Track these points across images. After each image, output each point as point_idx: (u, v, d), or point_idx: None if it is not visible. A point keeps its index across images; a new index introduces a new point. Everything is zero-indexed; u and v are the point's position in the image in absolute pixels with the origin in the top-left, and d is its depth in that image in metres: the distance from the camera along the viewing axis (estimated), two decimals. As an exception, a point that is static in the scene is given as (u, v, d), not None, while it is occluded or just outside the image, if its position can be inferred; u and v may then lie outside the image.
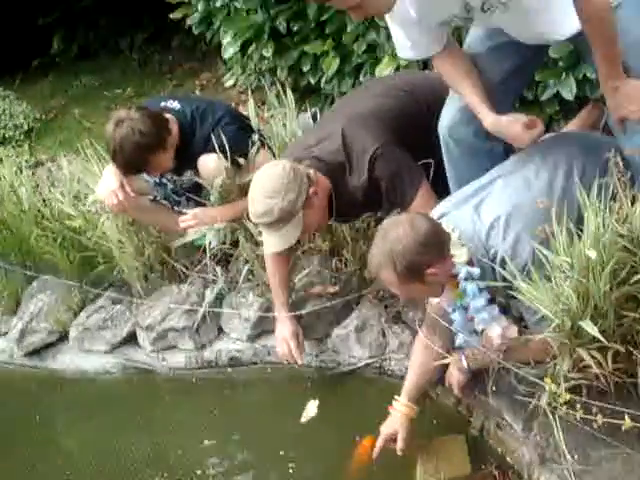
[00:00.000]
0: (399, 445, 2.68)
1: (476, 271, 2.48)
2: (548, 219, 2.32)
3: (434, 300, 2.72)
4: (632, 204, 2.33)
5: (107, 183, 3.61)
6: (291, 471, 2.90)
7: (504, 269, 2.42)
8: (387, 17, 2.60)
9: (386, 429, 2.72)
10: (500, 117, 2.60)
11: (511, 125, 2.59)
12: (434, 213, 2.66)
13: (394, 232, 2.44)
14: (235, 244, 3.59)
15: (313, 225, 3.00)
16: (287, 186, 2.84)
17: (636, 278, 2.26)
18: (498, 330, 2.53)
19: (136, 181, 3.72)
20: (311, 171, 2.95)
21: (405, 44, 2.68)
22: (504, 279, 2.41)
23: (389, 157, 2.94)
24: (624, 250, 2.29)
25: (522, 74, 2.89)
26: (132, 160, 3.40)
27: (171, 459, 3.13)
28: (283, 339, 3.19)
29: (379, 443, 2.72)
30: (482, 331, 2.58)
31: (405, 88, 3.16)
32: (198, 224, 3.55)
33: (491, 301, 2.55)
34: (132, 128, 3.35)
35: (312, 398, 3.02)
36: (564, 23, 2.47)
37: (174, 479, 3.02)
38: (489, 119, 2.61)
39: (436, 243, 2.46)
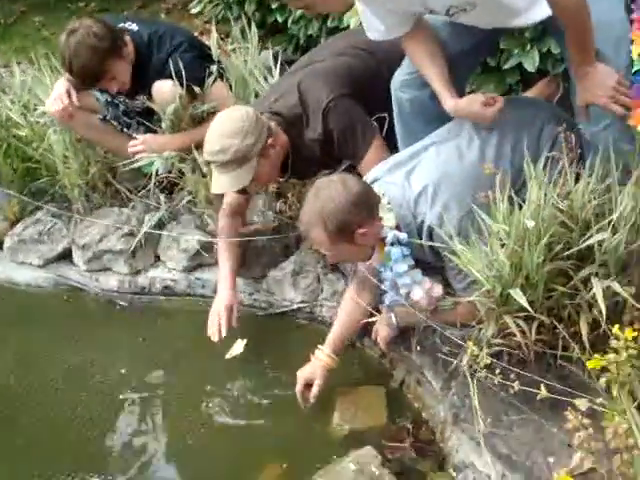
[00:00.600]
0: (314, 392, 2.72)
1: (402, 235, 2.53)
2: (478, 188, 2.37)
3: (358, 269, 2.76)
4: (576, 182, 2.37)
5: (55, 93, 3.55)
6: (204, 405, 2.93)
7: (431, 235, 2.48)
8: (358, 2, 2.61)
9: (303, 374, 2.76)
10: (458, 100, 2.63)
11: (470, 106, 2.62)
12: (367, 177, 2.69)
13: (326, 191, 2.46)
14: (182, 174, 3.55)
15: (264, 176, 2.96)
16: (247, 129, 2.82)
17: (568, 253, 2.30)
18: (421, 293, 2.57)
19: (87, 97, 3.66)
20: (272, 124, 2.94)
21: (373, 26, 2.69)
22: (433, 243, 2.47)
23: (342, 109, 2.94)
24: (562, 225, 2.33)
25: (481, 49, 2.93)
26: (89, 65, 3.33)
27: (89, 379, 3.14)
28: (217, 312, 3.07)
29: (298, 387, 2.75)
30: (407, 294, 2.61)
31: (365, 47, 3.14)
32: (147, 150, 3.51)
33: (415, 266, 2.59)
34: (87, 33, 3.30)
35: (240, 337, 3.02)
36: (529, 12, 2.49)
37: (90, 399, 3.04)
38: (449, 103, 2.63)
39: (367, 204, 2.49)
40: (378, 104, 3.01)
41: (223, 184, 2.93)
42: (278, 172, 3.07)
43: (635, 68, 2.34)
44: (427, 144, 2.69)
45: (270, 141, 2.89)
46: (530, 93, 3.36)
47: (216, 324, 3.03)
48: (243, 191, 3.14)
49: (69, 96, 3.53)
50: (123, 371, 3.16)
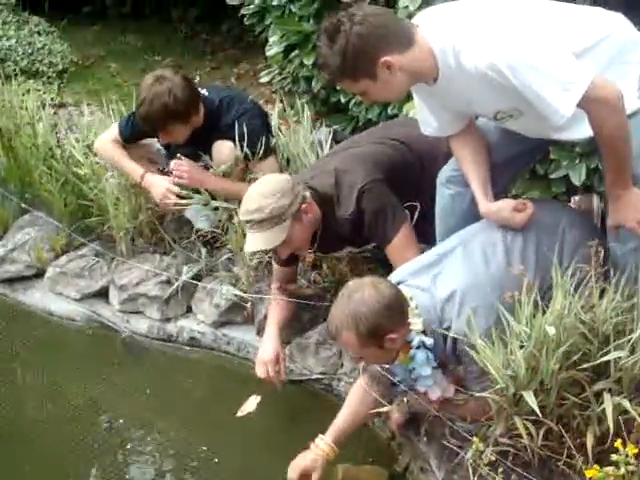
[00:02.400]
0: None
1: (429, 341, 2.54)
2: (504, 293, 2.40)
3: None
4: (600, 296, 2.42)
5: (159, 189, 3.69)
6: (208, 458, 2.99)
7: (455, 341, 2.49)
8: (414, 94, 2.72)
9: (302, 464, 2.73)
10: (491, 205, 2.70)
11: (500, 211, 2.68)
12: (392, 277, 2.71)
13: (359, 294, 2.46)
14: (226, 230, 3.66)
15: (296, 241, 3.05)
16: (283, 191, 2.94)
17: (585, 365, 2.34)
18: (438, 393, 2.62)
19: (149, 147, 3.82)
20: (307, 193, 3.06)
21: (427, 121, 2.78)
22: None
23: (377, 192, 3.05)
24: (582, 336, 2.38)
25: (529, 155, 3.01)
26: (153, 118, 3.47)
27: (96, 418, 3.22)
28: (263, 362, 3.17)
29: (294, 475, 2.72)
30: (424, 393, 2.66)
31: (404, 140, 3.26)
32: (189, 177, 3.61)
33: (436, 367, 2.61)
34: (170, 90, 3.43)
35: (255, 394, 3.08)
36: (574, 129, 2.52)
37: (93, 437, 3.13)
38: (482, 206, 2.71)
39: (398, 309, 2.50)
40: (409, 195, 3.12)
41: (256, 242, 3.02)
42: (309, 241, 3.15)
43: None
44: (454, 245, 2.72)
45: (304, 206, 3.00)
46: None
47: (264, 375, 3.15)
48: (285, 263, 3.28)
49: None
50: (133, 414, 3.24)
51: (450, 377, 2.66)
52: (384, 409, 2.75)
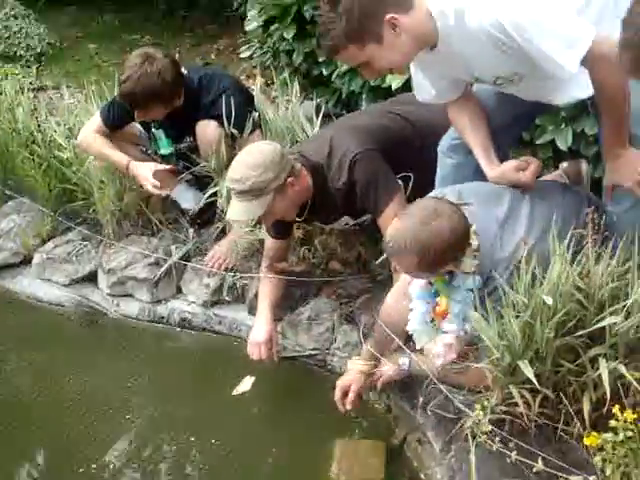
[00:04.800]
0: (350, 397, 2.81)
1: (476, 285, 2.47)
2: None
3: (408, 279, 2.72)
4: (596, 262, 2.41)
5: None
6: (204, 440, 2.97)
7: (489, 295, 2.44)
8: (412, 64, 2.65)
9: (341, 382, 2.86)
10: (496, 170, 2.66)
11: (505, 175, 2.65)
12: (445, 190, 2.64)
13: (436, 223, 2.35)
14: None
15: (277, 213, 3.03)
16: (268, 165, 2.90)
17: (580, 332, 2.33)
18: (440, 350, 2.58)
19: (130, 129, 3.78)
20: (298, 165, 3.02)
21: (424, 89, 2.74)
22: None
23: (369, 162, 3.01)
24: (577, 303, 2.37)
25: (524, 120, 2.99)
26: (137, 96, 3.43)
27: (94, 403, 3.20)
28: (256, 344, 3.17)
29: (336, 395, 2.84)
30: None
31: (405, 115, 3.24)
32: (224, 257, 3.61)
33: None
34: (159, 72, 3.40)
35: (250, 374, 3.07)
36: (573, 91, 2.53)
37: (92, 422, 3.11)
38: (489, 173, 2.68)
39: (466, 242, 2.43)
40: (405, 167, 3.09)
41: (236, 212, 3.01)
42: (294, 212, 3.12)
43: None
44: (516, 196, 2.63)
45: (290, 180, 2.96)
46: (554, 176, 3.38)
47: (257, 356, 3.15)
48: (279, 235, 3.28)
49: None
50: (128, 398, 3.22)
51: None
52: (385, 368, 2.79)
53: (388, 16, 2.32)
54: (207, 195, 3.63)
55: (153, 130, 3.70)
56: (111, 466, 2.89)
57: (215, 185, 3.61)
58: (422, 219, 2.37)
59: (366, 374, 2.83)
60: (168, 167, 3.66)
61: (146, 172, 3.60)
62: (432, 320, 2.64)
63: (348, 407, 2.82)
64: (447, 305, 2.57)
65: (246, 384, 3.06)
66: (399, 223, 2.40)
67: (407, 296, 2.70)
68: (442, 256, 2.39)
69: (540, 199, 2.65)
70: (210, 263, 3.59)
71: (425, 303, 2.64)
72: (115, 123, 3.72)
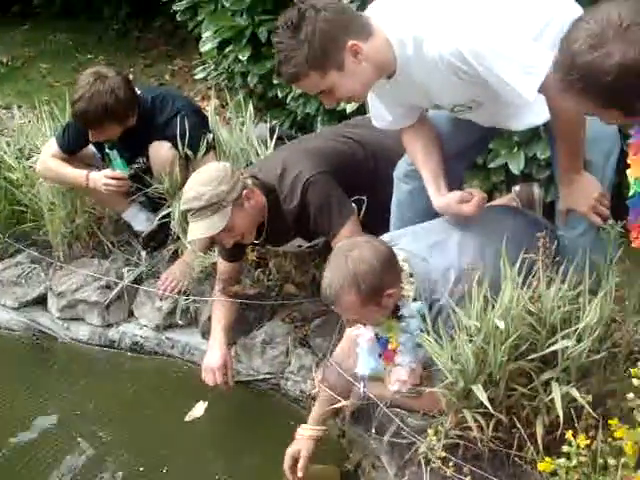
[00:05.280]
0: (300, 464, 2.69)
1: (424, 309, 2.48)
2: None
3: (348, 331, 2.77)
4: (547, 286, 2.42)
5: None
6: (155, 467, 2.93)
7: (436, 316, 2.46)
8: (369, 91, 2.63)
9: (290, 450, 2.73)
10: (441, 199, 2.65)
11: (449, 207, 2.64)
12: (383, 237, 2.66)
13: (357, 252, 2.41)
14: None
15: (238, 228, 3.00)
16: (222, 179, 2.90)
17: (533, 356, 2.33)
18: (404, 376, 2.58)
19: (85, 151, 3.73)
20: (249, 181, 3.02)
21: (380, 115, 2.74)
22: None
23: (322, 186, 3.01)
24: (529, 327, 2.37)
25: (479, 145, 3.00)
26: (91, 115, 3.38)
27: (43, 428, 3.15)
28: (210, 369, 3.12)
29: (285, 464, 2.71)
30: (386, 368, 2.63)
31: (357, 138, 3.24)
32: (176, 280, 3.56)
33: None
34: (111, 90, 3.36)
35: (202, 399, 3.03)
36: (529, 117, 2.54)
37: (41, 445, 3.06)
38: (435, 202, 2.67)
39: (394, 265, 2.46)
40: (358, 190, 3.09)
41: (197, 231, 2.98)
42: (253, 229, 3.09)
43: (632, 192, 2.40)
44: (447, 226, 2.68)
45: (245, 192, 2.95)
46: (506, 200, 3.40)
47: (212, 381, 3.09)
48: (232, 258, 3.24)
49: None
50: (76, 423, 3.16)
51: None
52: (339, 404, 2.71)
53: (350, 43, 2.32)
54: (160, 216, 3.58)
55: (107, 150, 3.66)
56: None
57: (168, 207, 3.57)
58: (340, 258, 2.43)
59: (315, 440, 2.74)
60: (122, 174, 3.61)
61: (105, 174, 3.58)
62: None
63: (300, 474, 2.70)
64: (396, 341, 2.58)
65: (199, 409, 3.02)
66: (325, 274, 2.45)
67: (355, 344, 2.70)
68: (376, 281, 2.40)
69: (482, 226, 2.66)
70: (163, 286, 3.54)
71: (375, 359, 2.65)
72: (71, 147, 3.68)
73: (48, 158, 3.69)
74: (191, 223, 2.98)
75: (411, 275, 2.50)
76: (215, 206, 2.90)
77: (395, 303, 2.51)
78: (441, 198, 2.66)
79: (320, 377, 2.82)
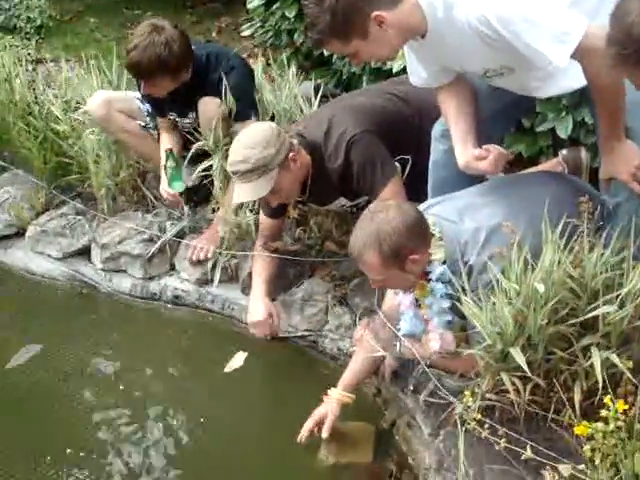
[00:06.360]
0: (326, 425, 2.70)
1: (448, 273, 2.50)
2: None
3: (392, 296, 2.78)
4: (590, 251, 2.39)
5: None
6: (192, 416, 2.97)
7: (469, 278, 2.45)
8: (405, 46, 2.61)
9: (317, 412, 2.74)
10: (461, 158, 2.62)
11: (469, 164, 2.61)
12: (420, 206, 2.67)
13: (383, 214, 2.45)
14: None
15: (284, 190, 3.03)
16: (268, 141, 2.91)
17: (573, 321, 2.32)
18: (437, 345, 2.58)
19: (129, 103, 3.75)
20: (295, 141, 3.01)
21: (417, 72, 2.72)
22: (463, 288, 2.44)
23: (366, 144, 3.00)
24: (570, 291, 2.35)
25: (517, 109, 2.97)
26: (144, 65, 3.37)
27: (87, 376, 3.20)
28: (257, 323, 3.21)
29: (308, 424, 2.72)
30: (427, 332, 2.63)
31: (402, 95, 3.22)
32: (206, 247, 3.57)
33: (451, 308, 2.57)
34: (167, 42, 3.35)
35: (242, 350, 3.08)
36: (561, 82, 2.51)
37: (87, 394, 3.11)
38: (458, 160, 2.64)
39: (421, 231, 2.48)
40: (404, 149, 3.08)
41: (244, 193, 3.00)
42: (298, 190, 3.11)
43: None
44: (483, 190, 2.70)
45: (292, 155, 2.96)
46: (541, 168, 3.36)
47: (261, 332, 3.20)
48: (272, 215, 3.23)
49: None
50: (118, 373, 3.21)
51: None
52: (379, 353, 2.71)
53: (374, 14, 2.30)
54: (200, 168, 3.57)
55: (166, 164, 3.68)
56: (100, 438, 2.89)
57: (211, 163, 3.57)
58: (368, 219, 2.48)
59: (343, 405, 2.74)
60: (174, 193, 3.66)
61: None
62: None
63: (324, 435, 2.70)
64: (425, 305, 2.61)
65: (238, 360, 3.06)
66: (353, 232, 2.50)
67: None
68: (399, 245, 2.42)
69: (519, 190, 2.66)
70: (191, 255, 3.56)
71: (420, 322, 2.67)
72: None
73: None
74: (237, 186, 2.99)
75: (440, 239, 2.52)
76: (261, 169, 2.91)
77: (422, 269, 2.53)
78: (462, 156, 2.63)
79: (365, 327, 2.84)
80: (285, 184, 2.99)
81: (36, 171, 4.07)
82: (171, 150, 3.63)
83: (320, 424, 2.72)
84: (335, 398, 2.74)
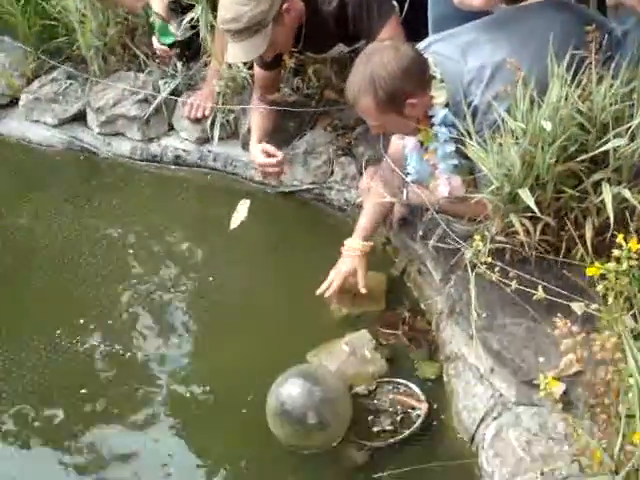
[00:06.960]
0: (360, 282, 2.67)
1: (450, 116, 2.42)
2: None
3: (397, 140, 2.70)
4: (598, 83, 2.30)
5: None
6: (205, 276, 2.97)
7: (474, 118, 2.37)
8: None
9: (344, 267, 2.69)
10: None
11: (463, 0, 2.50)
12: (419, 44, 2.55)
13: (378, 57, 2.36)
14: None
15: (280, 43, 2.89)
16: None
17: (582, 157, 2.25)
18: (446, 190, 2.53)
19: None
20: None
21: None
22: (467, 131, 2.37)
23: None
24: (579, 127, 2.28)
25: None
26: None
27: (97, 241, 3.19)
28: (262, 164, 3.14)
29: (338, 282, 2.68)
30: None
31: None
32: (202, 103, 3.44)
33: (456, 152, 2.49)
34: None
35: (244, 199, 3.11)
36: None
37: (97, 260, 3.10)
38: None
39: (419, 73, 2.38)
40: None
41: (238, 53, 2.87)
42: (292, 41, 2.99)
43: None
44: (487, 23, 2.56)
45: (285, 6, 2.82)
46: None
47: (268, 165, 3.14)
48: (266, 66, 3.11)
49: None
50: (125, 235, 3.20)
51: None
52: (386, 199, 2.67)
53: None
54: (187, 19, 3.45)
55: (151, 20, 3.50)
56: (110, 300, 2.91)
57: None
58: (363, 62, 2.39)
59: (366, 255, 2.70)
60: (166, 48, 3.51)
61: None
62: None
63: (363, 291, 2.66)
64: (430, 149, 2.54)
65: (242, 211, 3.04)
66: (348, 78, 2.42)
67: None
68: (395, 88, 2.34)
69: (522, 22, 2.51)
70: (188, 114, 3.46)
71: (426, 165, 2.61)
72: None
73: None
74: (230, 44, 2.86)
75: (442, 81, 2.41)
76: (255, 27, 2.77)
77: (422, 113, 2.45)
78: None
79: (372, 176, 2.79)
80: (280, 39, 2.85)
81: (22, 36, 3.92)
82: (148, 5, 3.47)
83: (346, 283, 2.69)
84: (357, 249, 2.70)
